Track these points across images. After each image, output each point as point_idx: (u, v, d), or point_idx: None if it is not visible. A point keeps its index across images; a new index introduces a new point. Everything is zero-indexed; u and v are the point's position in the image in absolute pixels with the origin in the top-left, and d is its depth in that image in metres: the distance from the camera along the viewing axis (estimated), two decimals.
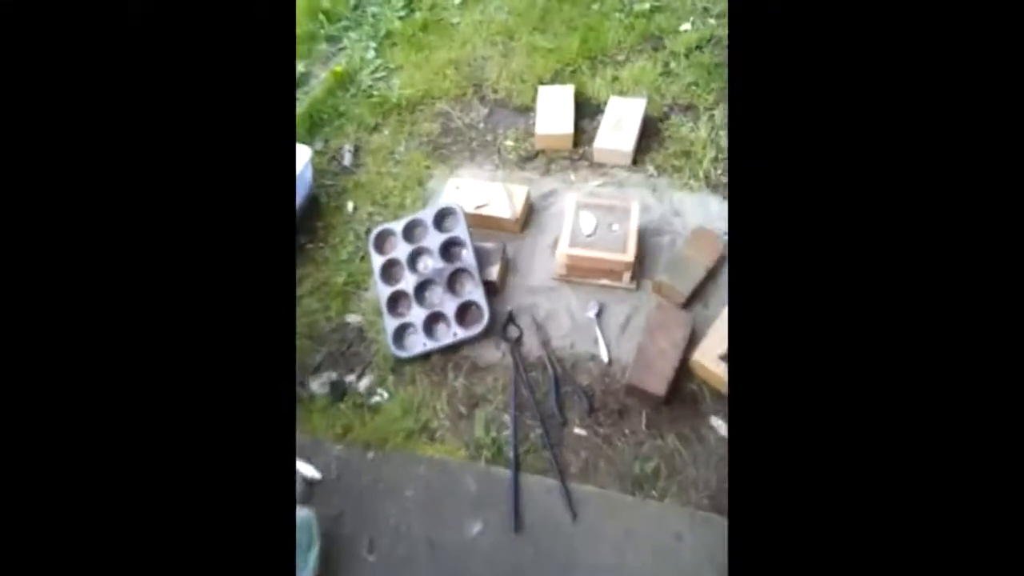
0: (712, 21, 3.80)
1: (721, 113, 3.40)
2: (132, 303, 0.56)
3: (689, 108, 3.48)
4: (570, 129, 3.34)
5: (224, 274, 0.58)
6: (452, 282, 2.40)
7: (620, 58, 3.79)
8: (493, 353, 2.36)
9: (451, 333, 2.33)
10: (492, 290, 2.41)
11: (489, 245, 2.51)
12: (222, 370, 0.58)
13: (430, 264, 2.45)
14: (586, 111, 3.55)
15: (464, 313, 2.38)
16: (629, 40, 3.85)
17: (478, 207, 2.75)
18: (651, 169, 3.25)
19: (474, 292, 2.39)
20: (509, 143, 3.49)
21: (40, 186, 0.55)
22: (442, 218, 2.52)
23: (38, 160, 0.55)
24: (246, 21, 0.57)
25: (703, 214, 2.76)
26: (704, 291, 2.43)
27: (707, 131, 3.34)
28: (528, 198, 2.86)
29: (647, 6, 3.99)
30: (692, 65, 3.62)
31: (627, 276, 2.50)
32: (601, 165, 3.31)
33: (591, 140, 3.40)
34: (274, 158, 0.59)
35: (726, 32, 3.63)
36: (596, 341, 2.31)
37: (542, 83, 3.63)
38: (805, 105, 0.61)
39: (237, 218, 0.60)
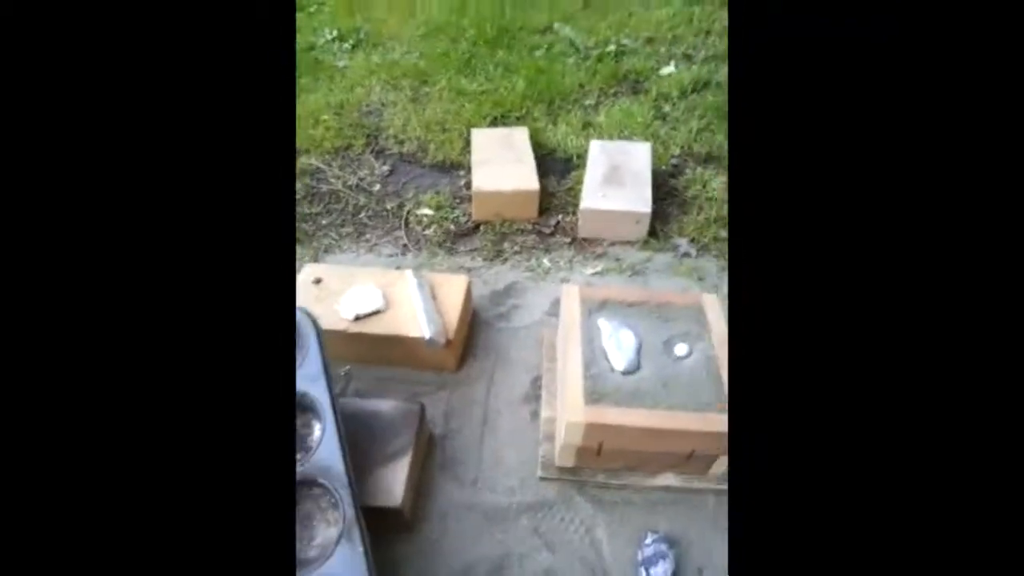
0: (695, 67, 2.73)
1: None
2: (128, 295, 0.59)
3: (710, 158, 2.19)
4: (535, 184, 1.92)
5: (221, 269, 0.62)
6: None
7: (588, 102, 2.55)
8: None
9: None
10: (392, 526, 1.11)
11: (385, 405, 1.24)
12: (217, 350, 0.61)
13: None
14: (548, 167, 2.18)
15: None
16: (595, 83, 2.65)
17: (361, 317, 1.10)
18: (683, 244, 1.85)
19: (333, 548, 0.79)
20: (425, 212, 2.00)
21: (41, 186, 0.58)
22: None
23: (40, 160, 0.58)
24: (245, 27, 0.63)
25: None
26: None
27: None
28: (469, 298, 1.50)
29: (611, 49, 2.87)
30: (693, 108, 2.44)
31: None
32: (592, 240, 1.87)
33: (565, 205, 1.99)
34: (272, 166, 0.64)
35: (721, 76, 2.72)
36: None
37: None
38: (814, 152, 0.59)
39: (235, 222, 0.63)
